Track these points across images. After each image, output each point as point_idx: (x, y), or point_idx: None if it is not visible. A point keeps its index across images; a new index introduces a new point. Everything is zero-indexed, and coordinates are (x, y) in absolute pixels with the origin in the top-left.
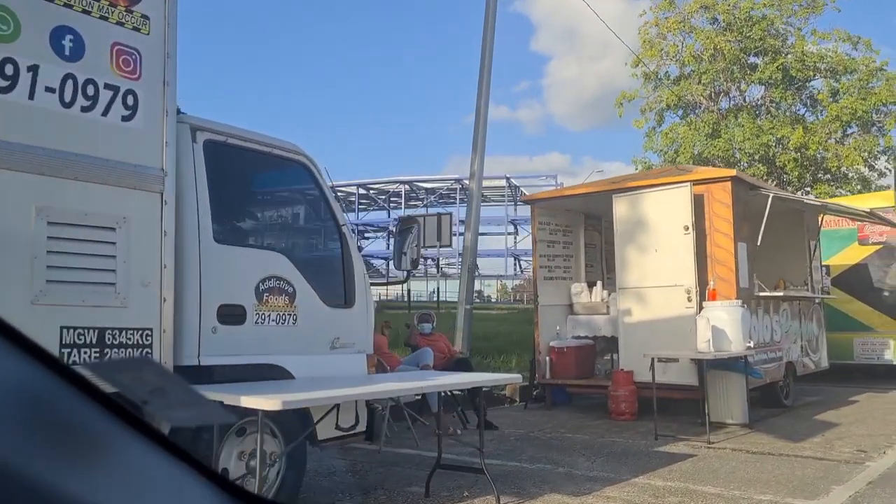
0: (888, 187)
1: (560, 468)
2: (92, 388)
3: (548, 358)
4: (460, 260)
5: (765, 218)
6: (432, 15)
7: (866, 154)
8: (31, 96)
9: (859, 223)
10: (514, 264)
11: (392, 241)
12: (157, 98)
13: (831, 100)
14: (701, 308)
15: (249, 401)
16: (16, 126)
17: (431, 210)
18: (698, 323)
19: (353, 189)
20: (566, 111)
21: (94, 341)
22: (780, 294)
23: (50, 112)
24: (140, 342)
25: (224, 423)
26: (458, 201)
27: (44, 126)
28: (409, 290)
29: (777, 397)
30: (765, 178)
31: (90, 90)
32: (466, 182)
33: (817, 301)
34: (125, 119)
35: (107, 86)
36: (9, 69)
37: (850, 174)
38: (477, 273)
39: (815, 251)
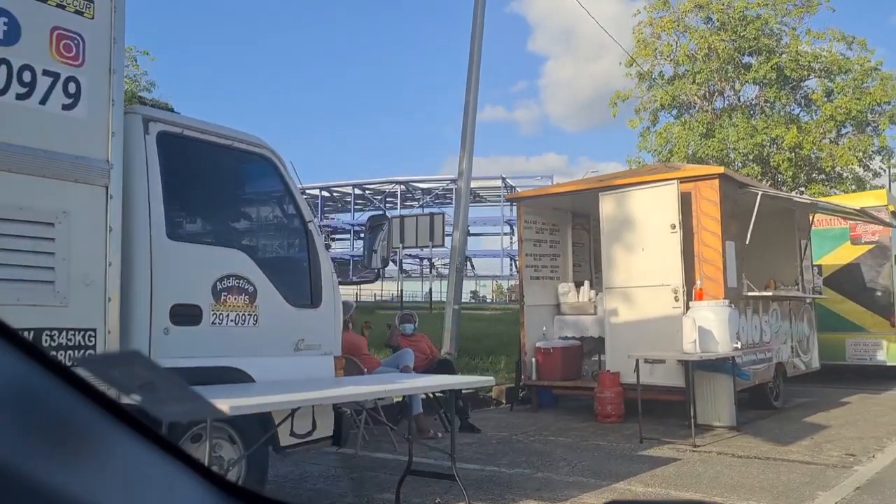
0: (882, 187)
1: (539, 473)
2: (83, 384)
3: (534, 359)
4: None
5: (753, 216)
6: (431, 14)
7: (861, 154)
8: None
9: (852, 222)
10: (510, 264)
11: (363, 239)
12: (103, 86)
13: (826, 99)
14: (688, 308)
15: None
16: None
17: (427, 210)
18: (684, 323)
19: (348, 189)
20: (563, 112)
21: None
22: (770, 294)
23: None
24: (82, 343)
25: (217, 418)
26: (453, 202)
27: None
28: (401, 291)
29: (766, 399)
30: (759, 178)
31: (26, 76)
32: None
33: (808, 301)
34: (66, 108)
35: (45, 72)
36: None
37: (845, 174)
38: (472, 272)
39: (805, 250)
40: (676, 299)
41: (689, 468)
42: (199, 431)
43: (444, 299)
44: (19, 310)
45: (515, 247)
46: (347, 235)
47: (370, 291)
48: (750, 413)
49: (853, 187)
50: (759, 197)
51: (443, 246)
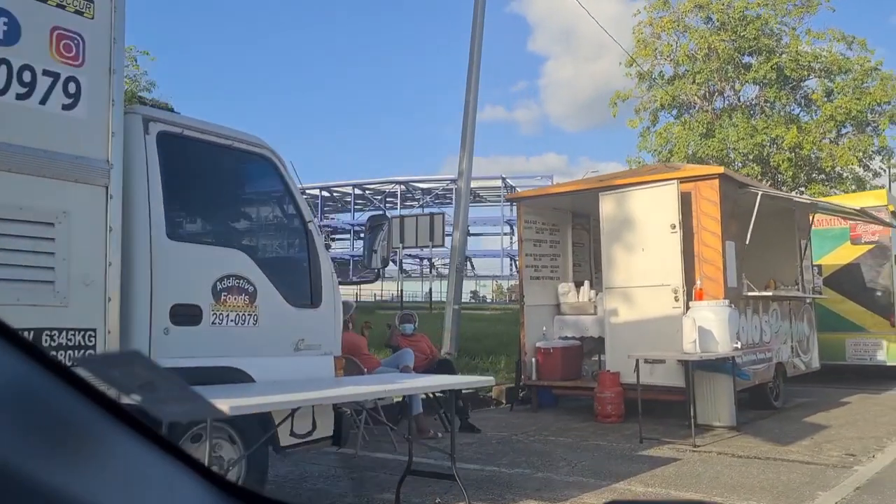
0: (883, 187)
1: (539, 473)
2: (83, 384)
3: (534, 359)
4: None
5: (753, 216)
6: (431, 14)
7: (861, 154)
8: None
9: (852, 222)
10: (510, 264)
11: (363, 239)
12: (103, 86)
13: (826, 99)
14: (688, 308)
15: None
16: None
17: (427, 211)
18: (684, 323)
19: (348, 189)
20: (563, 112)
21: None
22: (770, 294)
23: None
24: (82, 343)
25: (216, 418)
26: (454, 202)
27: None
28: (401, 291)
29: (766, 399)
30: (759, 178)
31: (26, 76)
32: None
33: (808, 301)
34: (66, 108)
35: (46, 72)
36: None
37: (845, 174)
38: (472, 272)
39: (805, 250)
40: (676, 299)
41: (689, 468)
42: (199, 431)
43: (444, 299)
44: (19, 310)
45: (515, 247)
46: (347, 235)
47: (370, 291)
48: (750, 413)
49: (853, 187)
50: (759, 197)
51: (443, 246)
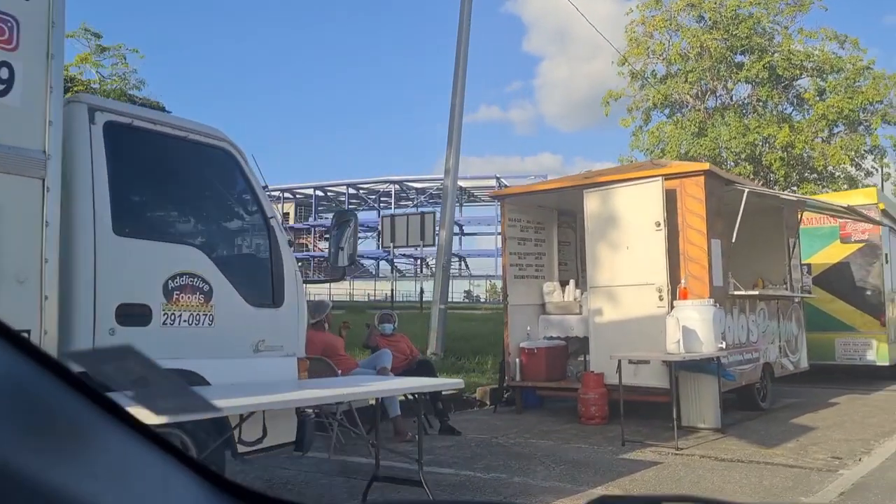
0: (874, 185)
1: (516, 478)
2: (77, 381)
3: (518, 359)
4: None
5: (740, 213)
6: (430, 15)
7: (853, 153)
8: None
9: (841, 221)
10: None
11: (329, 236)
12: (39, 72)
13: (818, 99)
14: (672, 307)
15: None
16: None
17: (421, 210)
18: (668, 323)
19: (342, 189)
20: (558, 112)
21: None
22: (756, 293)
23: None
24: None
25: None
26: (455, 202)
27: None
28: (393, 290)
29: (754, 400)
30: (751, 177)
31: None
32: (457, 182)
33: (796, 300)
34: None
35: None
36: None
37: (837, 173)
38: (466, 272)
39: (794, 249)
40: (661, 298)
41: (669, 472)
42: None
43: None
44: None
45: None
46: None
47: (363, 291)
48: (737, 414)
49: (845, 186)
50: (745, 194)
51: (433, 245)
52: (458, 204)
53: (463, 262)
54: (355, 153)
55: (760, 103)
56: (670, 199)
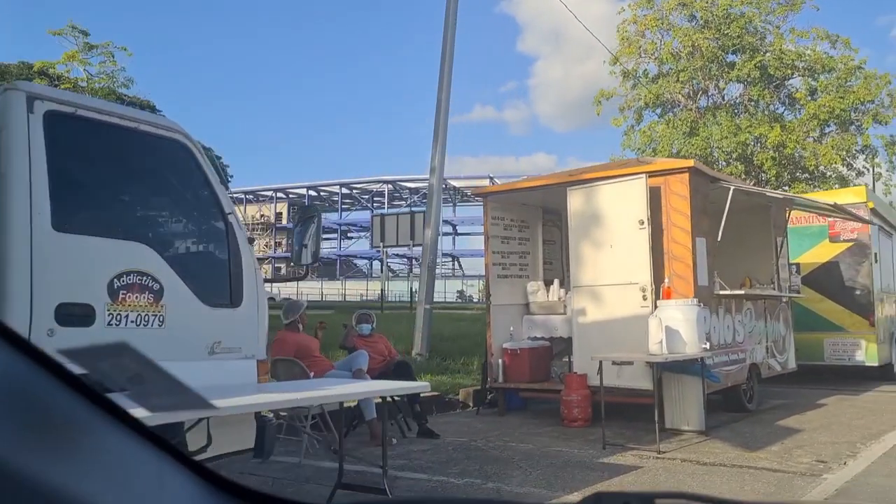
0: (865, 185)
1: (490, 483)
2: (73, 380)
3: (500, 360)
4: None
5: (725, 211)
6: (422, 10)
7: (844, 153)
8: None
9: (830, 220)
10: None
11: (293, 233)
12: None
13: (809, 98)
14: (656, 307)
15: None
16: None
17: (415, 210)
18: (650, 323)
19: (335, 189)
20: (552, 112)
21: None
22: (742, 293)
23: None
24: None
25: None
26: (441, 201)
27: None
28: (382, 290)
29: (740, 401)
30: (743, 176)
31: None
32: (451, 182)
33: (784, 300)
34: None
35: None
36: None
37: (828, 173)
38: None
39: (782, 248)
40: (645, 298)
41: (649, 477)
42: None
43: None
44: None
45: None
46: (335, 235)
47: (356, 291)
48: (723, 416)
49: (836, 186)
50: (730, 192)
51: (419, 245)
52: (451, 204)
53: (457, 262)
54: (348, 153)
55: (752, 103)
56: (654, 196)
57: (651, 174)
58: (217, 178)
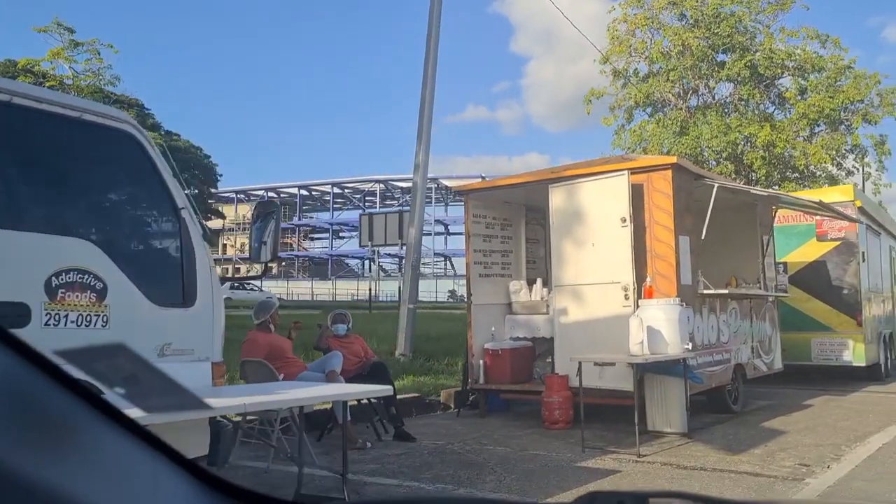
0: (854, 184)
1: (462, 489)
2: (68, 380)
3: (481, 361)
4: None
5: (709, 209)
6: (410, 11)
7: (834, 152)
8: None
9: (818, 218)
10: None
11: (252, 230)
12: None
13: (799, 98)
14: (638, 307)
15: None
16: None
17: (404, 209)
18: (631, 323)
19: (327, 188)
20: (545, 112)
21: None
22: (727, 292)
23: None
24: None
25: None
26: (433, 201)
27: None
28: (370, 289)
29: (725, 402)
30: (733, 176)
31: None
32: (443, 181)
33: (770, 299)
34: None
35: None
36: None
37: (818, 172)
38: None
39: (768, 247)
40: (627, 297)
41: (627, 481)
42: None
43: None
44: None
45: None
46: (326, 235)
47: (347, 291)
48: (707, 417)
49: (826, 185)
50: (714, 189)
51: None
52: (443, 203)
53: (449, 262)
54: (340, 152)
55: (742, 102)
56: (637, 193)
57: (633, 171)
58: (170, 171)
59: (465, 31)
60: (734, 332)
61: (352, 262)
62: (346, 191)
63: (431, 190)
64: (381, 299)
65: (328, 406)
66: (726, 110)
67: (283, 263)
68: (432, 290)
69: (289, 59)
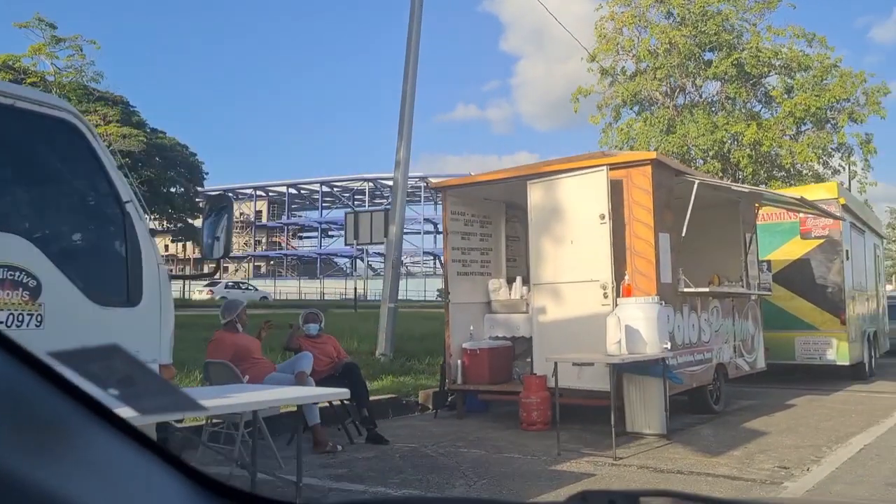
0: (842, 183)
1: (430, 494)
2: (60, 380)
3: (459, 361)
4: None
5: (690, 206)
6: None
7: (820, 151)
8: None
9: (801, 216)
10: None
11: (203, 226)
12: None
13: (786, 96)
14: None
15: None
16: None
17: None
18: (608, 322)
19: (316, 187)
20: (534, 111)
21: None
22: (708, 290)
23: None
24: None
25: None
26: (422, 199)
27: None
28: (356, 289)
29: (706, 402)
30: (719, 174)
31: None
32: (432, 180)
33: (753, 298)
34: None
35: None
36: None
37: (805, 171)
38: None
39: (751, 244)
40: (605, 296)
41: (602, 485)
42: None
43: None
44: None
45: None
46: (315, 233)
47: (334, 290)
48: (688, 418)
49: (812, 184)
50: (695, 186)
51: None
52: (433, 202)
53: (438, 261)
54: (328, 151)
55: (729, 101)
56: (616, 190)
57: (612, 166)
58: (113, 163)
59: (455, 30)
60: (716, 332)
61: (341, 261)
62: (335, 189)
63: (420, 189)
64: (369, 298)
65: (297, 408)
66: (713, 109)
67: (272, 262)
68: (421, 290)
69: (278, 57)
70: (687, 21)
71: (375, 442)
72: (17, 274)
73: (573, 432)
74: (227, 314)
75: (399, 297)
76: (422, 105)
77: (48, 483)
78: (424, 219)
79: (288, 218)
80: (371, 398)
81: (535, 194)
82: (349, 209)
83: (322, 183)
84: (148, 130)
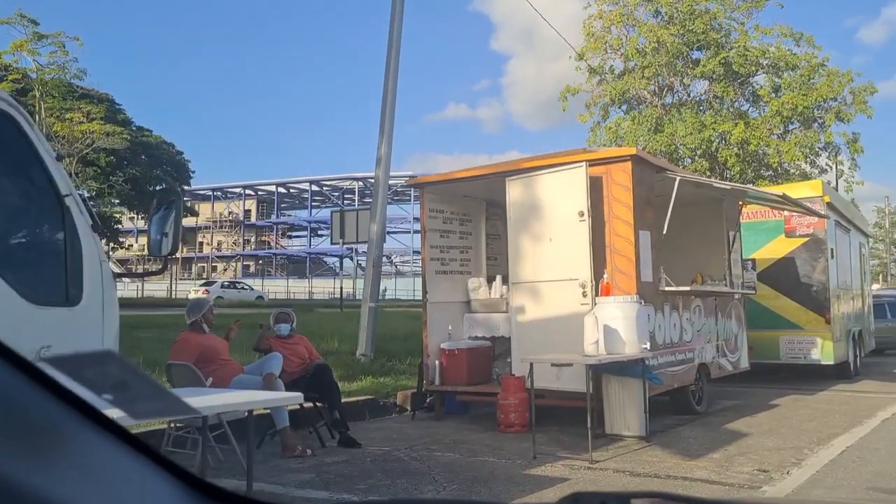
0: (829, 182)
1: (414, 497)
2: (52, 383)
3: (437, 361)
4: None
5: (671, 203)
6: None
7: (807, 150)
8: None
9: (786, 214)
10: None
11: (150, 221)
12: None
13: (773, 95)
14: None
15: None
16: None
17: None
18: (585, 322)
19: (305, 186)
20: (525, 110)
21: None
22: (689, 289)
23: None
24: None
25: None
26: (412, 198)
27: None
28: (341, 288)
29: (688, 403)
30: (707, 173)
31: None
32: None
33: (736, 297)
34: None
35: None
36: None
37: (792, 170)
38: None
39: (734, 242)
40: (584, 295)
41: (576, 489)
42: None
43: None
44: None
45: None
46: (304, 232)
47: (323, 289)
48: (669, 419)
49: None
50: (676, 182)
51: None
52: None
53: None
54: (318, 150)
55: (717, 99)
56: (596, 186)
57: (592, 163)
58: (52, 155)
59: (446, 29)
60: (698, 331)
61: (330, 261)
62: (325, 188)
63: (411, 188)
64: (358, 298)
65: (267, 411)
66: (701, 107)
67: (261, 262)
68: (410, 289)
69: (268, 56)
70: (675, 20)
71: (347, 445)
72: None
73: (551, 434)
74: (192, 314)
75: (388, 296)
76: (413, 105)
77: (43, 488)
78: (414, 218)
79: (277, 217)
80: (348, 399)
81: (514, 191)
82: (338, 208)
83: (311, 182)
84: (133, 128)
